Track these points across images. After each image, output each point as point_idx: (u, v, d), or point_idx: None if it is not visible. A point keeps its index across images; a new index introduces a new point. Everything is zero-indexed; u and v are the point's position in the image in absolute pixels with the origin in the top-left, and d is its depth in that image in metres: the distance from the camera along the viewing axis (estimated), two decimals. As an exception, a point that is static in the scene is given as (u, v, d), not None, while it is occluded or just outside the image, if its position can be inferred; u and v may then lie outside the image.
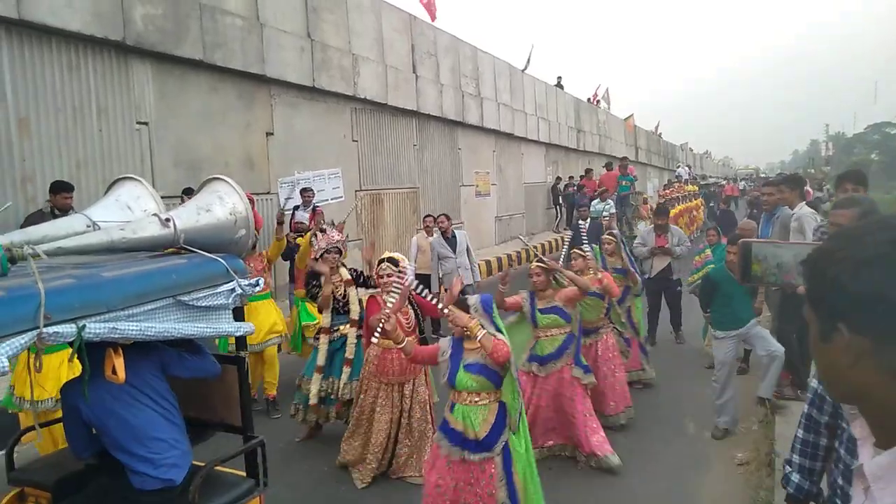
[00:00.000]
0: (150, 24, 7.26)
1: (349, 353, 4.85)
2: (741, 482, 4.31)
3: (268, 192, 9.30)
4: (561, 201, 20.42)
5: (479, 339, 3.23)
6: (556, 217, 21.19)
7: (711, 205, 24.99)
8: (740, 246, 1.17)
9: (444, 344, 3.52)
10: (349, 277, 4.99)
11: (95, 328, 2.09)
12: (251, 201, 8.18)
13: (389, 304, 3.65)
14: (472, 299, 3.44)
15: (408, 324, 4.42)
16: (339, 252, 5.00)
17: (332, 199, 10.13)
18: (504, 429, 3.32)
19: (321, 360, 4.87)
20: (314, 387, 4.84)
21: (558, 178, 21.25)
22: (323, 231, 5.09)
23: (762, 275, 1.14)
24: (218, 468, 2.76)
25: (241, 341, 2.87)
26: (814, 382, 2.07)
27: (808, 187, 17.00)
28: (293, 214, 8.47)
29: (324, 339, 4.92)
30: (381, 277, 4.46)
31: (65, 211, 5.27)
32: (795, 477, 2.12)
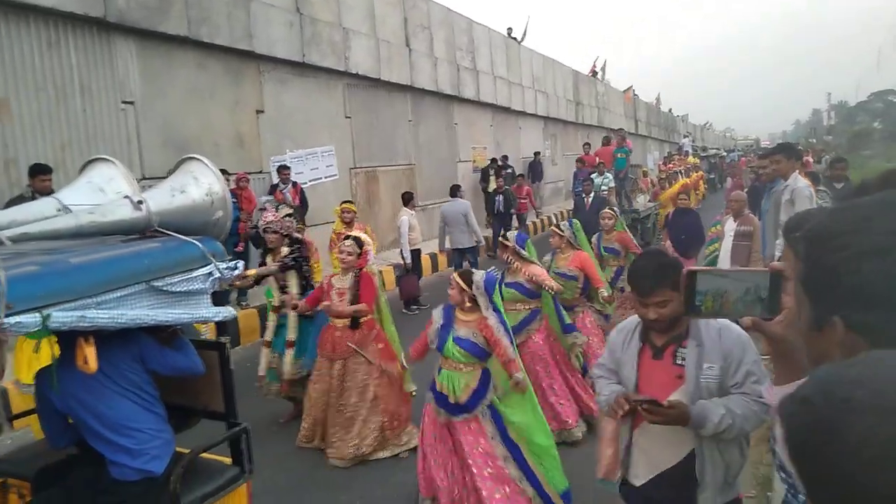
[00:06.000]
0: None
1: (290, 333, 4.98)
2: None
3: (260, 171, 9.14)
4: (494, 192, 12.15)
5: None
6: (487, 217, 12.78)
7: (712, 176, 24.73)
8: (685, 276, 1.01)
9: (436, 314, 3.58)
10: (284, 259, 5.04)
11: (61, 317, 2.01)
12: (246, 180, 8.22)
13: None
14: (478, 275, 3.47)
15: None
16: (276, 232, 5.06)
17: (325, 178, 10.06)
18: (486, 393, 3.42)
19: (268, 335, 5.15)
20: (262, 359, 5.11)
21: (493, 160, 14.56)
22: (263, 209, 5.58)
23: (712, 309, 1.00)
24: (203, 456, 2.69)
25: (221, 326, 2.78)
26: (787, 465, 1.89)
27: (808, 157, 16.86)
28: (274, 193, 8.63)
29: (272, 316, 5.16)
30: (342, 253, 4.58)
31: (45, 194, 5.11)
32: None
